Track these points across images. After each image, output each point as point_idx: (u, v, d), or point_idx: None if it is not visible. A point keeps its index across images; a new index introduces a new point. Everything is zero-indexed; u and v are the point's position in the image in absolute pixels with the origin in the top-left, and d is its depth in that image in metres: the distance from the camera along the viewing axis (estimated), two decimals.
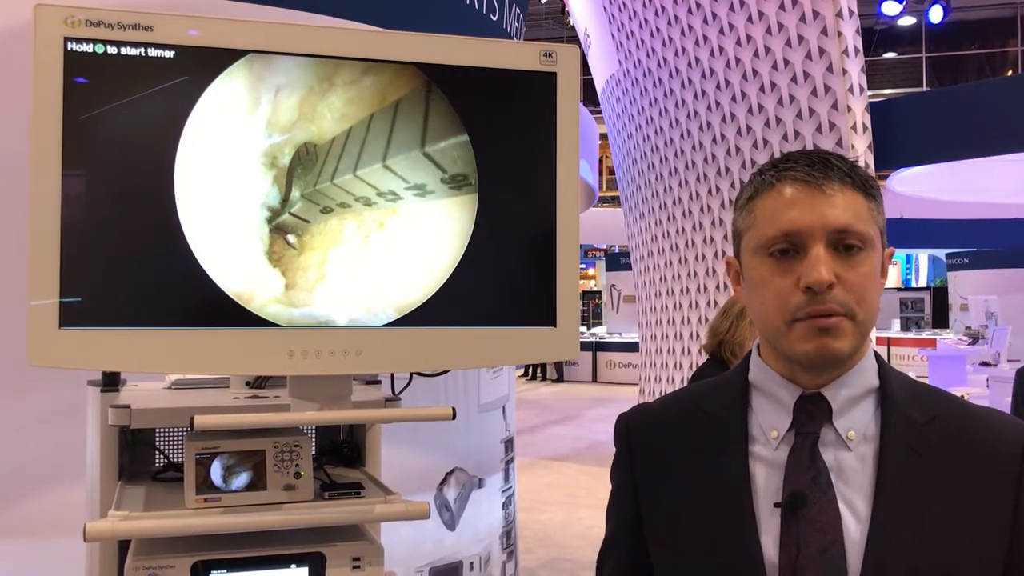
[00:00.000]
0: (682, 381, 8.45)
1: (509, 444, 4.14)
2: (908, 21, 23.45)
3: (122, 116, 1.33)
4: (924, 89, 22.71)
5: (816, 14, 6.62)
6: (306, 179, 1.40)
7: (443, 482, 3.52)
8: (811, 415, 1.16)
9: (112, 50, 1.33)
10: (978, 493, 1.12)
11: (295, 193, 1.39)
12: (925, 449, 1.14)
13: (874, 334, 6.76)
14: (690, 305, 8.51)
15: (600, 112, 10.71)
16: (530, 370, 19.42)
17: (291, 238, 1.39)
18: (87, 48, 1.32)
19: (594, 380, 18.94)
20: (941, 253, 20.20)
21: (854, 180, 1.14)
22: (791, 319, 1.12)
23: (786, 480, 1.14)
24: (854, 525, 1.11)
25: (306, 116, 1.40)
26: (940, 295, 20.23)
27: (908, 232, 14.74)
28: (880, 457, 1.14)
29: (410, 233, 1.44)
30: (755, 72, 7.26)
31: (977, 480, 1.13)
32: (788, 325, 1.12)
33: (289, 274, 1.39)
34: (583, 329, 19.70)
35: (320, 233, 1.41)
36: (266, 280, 1.38)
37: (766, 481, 1.16)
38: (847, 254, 1.11)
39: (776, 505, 1.14)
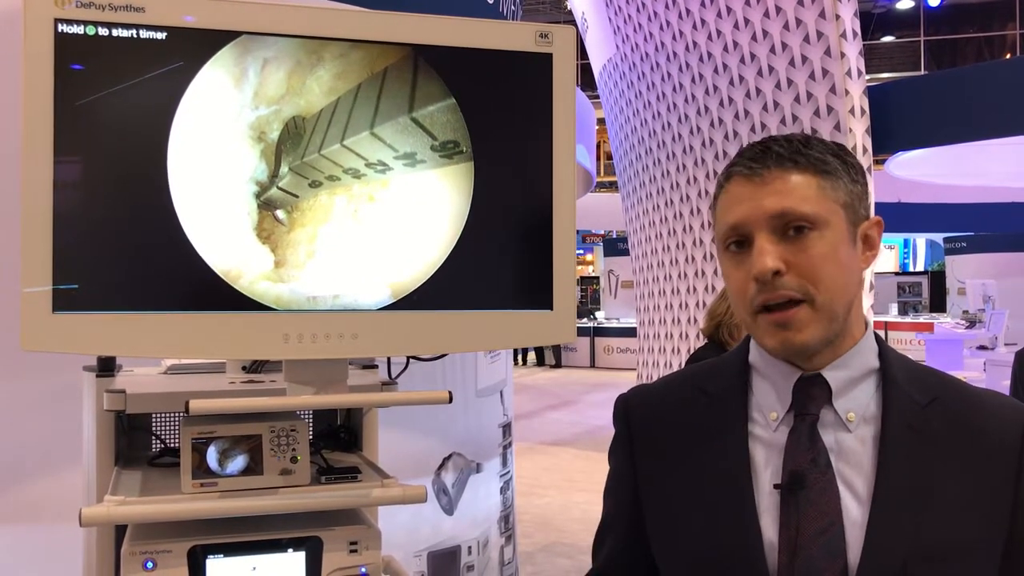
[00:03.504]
0: (679, 365, 8.44)
1: (507, 429, 4.15)
2: (906, 4, 23.40)
3: (116, 101, 1.32)
4: (922, 73, 22.66)
5: None
6: (294, 152, 1.38)
7: (441, 467, 3.52)
8: (810, 396, 1.16)
9: (103, 31, 1.31)
10: (979, 475, 1.12)
11: (283, 167, 1.38)
12: (926, 431, 1.14)
13: (872, 318, 6.77)
14: (688, 290, 8.51)
15: (598, 97, 10.68)
16: (519, 356, 19.37)
17: (280, 214, 1.38)
18: (78, 30, 1.30)
19: (592, 365, 18.97)
20: (939, 237, 20.23)
21: (798, 162, 1.13)
22: (752, 311, 1.13)
23: (785, 461, 1.14)
24: (854, 507, 1.11)
25: (294, 90, 1.38)
26: (938, 279, 20.29)
27: (906, 216, 14.74)
28: (881, 438, 1.14)
29: (402, 207, 1.43)
30: (753, 56, 7.24)
31: (978, 462, 1.13)
32: (752, 317, 1.14)
33: (279, 251, 1.38)
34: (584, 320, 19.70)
35: (310, 209, 1.40)
36: (255, 257, 1.37)
37: (766, 462, 1.16)
38: (797, 237, 1.11)
39: (776, 486, 1.14)
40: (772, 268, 1.09)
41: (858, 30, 6.59)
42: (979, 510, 1.11)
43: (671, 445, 1.25)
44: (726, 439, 1.19)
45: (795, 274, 1.10)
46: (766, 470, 1.16)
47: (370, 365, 1.89)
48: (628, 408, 1.32)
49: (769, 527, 1.13)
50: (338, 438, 1.83)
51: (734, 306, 1.19)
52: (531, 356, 19.96)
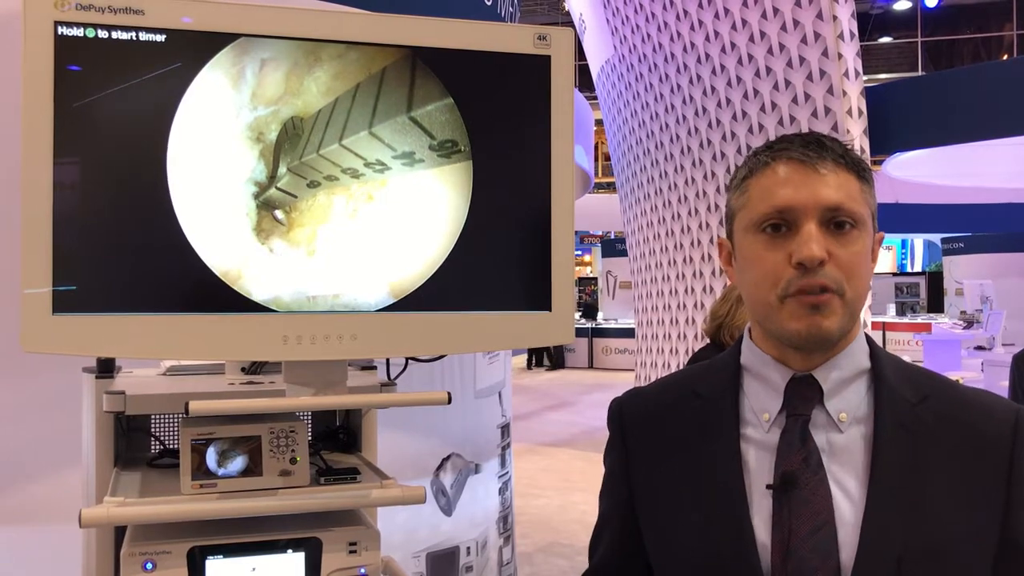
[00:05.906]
0: (678, 366, 8.45)
1: (505, 429, 4.15)
2: (903, 5, 23.43)
3: (116, 103, 1.32)
4: (919, 73, 22.68)
5: None
6: (292, 153, 1.39)
7: (439, 467, 3.53)
8: (802, 397, 1.17)
9: (103, 34, 1.32)
10: (971, 472, 1.13)
11: (282, 168, 1.38)
12: (918, 429, 1.15)
13: (869, 319, 6.78)
14: (686, 291, 8.51)
15: (596, 98, 10.68)
16: (531, 361, 19.35)
17: (279, 214, 1.39)
18: (78, 32, 1.31)
19: (590, 366, 18.97)
20: (936, 238, 20.25)
21: (847, 162, 1.15)
22: (782, 295, 1.13)
23: (777, 462, 1.15)
24: (847, 506, 1.12)
25: (292, 91, 1.39)
26: (935, 280, 20.33)
27: (903, 217, 14.75)
28: (873, 437, 1.15)
29: (401, 206, 1.43)
30: (751, 57, 7.24)
31: (969, 459, 1.14)
32: (780, 301, 1.13)
33: (278, 251, 1.39)
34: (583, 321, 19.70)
35: (308, 209, 1.40)
36: (254, 257, 1.37)
37: (758, 463, 1.17)
38: (839, 232, 1.12)
39: (768, 487, 1.14)
40: (820, 256, 1.10)
41: (855, 31, 6.60)
42: (971, 508, 1.11)
43: (665, 447, 1.25)
44: (719, 441, 1.20)
45: (834, 266, 1.11)
46: (759, 471, 1.17)
47: (369, 366, 1.89)
48: (622, 411, 1.33)
49: (762, 528, 1.14)
50: (337, 439, 1.83)
51: (757, 289, 1.16)
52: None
